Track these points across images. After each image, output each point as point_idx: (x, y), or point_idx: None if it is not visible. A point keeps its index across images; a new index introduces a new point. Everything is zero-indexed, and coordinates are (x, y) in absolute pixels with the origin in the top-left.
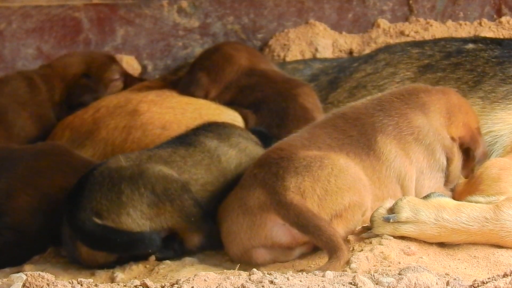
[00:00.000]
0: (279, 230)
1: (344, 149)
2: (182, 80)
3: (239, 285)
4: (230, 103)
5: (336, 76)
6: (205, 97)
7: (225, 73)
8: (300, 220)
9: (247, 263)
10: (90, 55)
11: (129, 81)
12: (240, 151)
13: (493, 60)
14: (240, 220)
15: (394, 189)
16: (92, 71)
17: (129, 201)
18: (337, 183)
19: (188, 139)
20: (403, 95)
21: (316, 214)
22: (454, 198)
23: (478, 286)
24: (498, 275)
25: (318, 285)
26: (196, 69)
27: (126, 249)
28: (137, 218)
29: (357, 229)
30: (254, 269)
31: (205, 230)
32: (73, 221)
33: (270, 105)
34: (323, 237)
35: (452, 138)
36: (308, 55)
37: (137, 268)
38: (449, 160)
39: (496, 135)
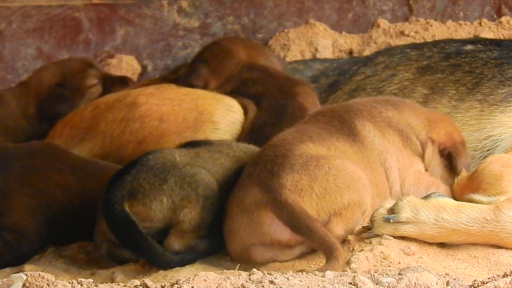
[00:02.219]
0: (277, 228)
1: (333, 136)
2: (183, 73)
3: (239, 285)
4: (231, 94)
5: (336, 79)
6: (204, 87)
7: (225, 65)
8: (293, 220)
9: (246, 261)
10: (64, 64)
11: (109, 83)
12: (239, 146)
13: (491, 61)
14: (239, 218)
15: (383, 175)
16: (67, 80)
17: (168, 190)
18: (336, 182)
19: (201, 142)
20: (377, 99)
21: (309, 215)
22: (455, 192)
23: (478, 286)
24: (498, 275)
25: (318, 285)
26: (196, 61)
27: (138, 252)
28: (166, 208)
29: (357, 229)
30: (254, 269)
31: (188, 246)
32: (108, 196)
33: (271, 101)
34: (315, 238)
35: (431, 139)
36: (308, 55)
37: (137, 268)
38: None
39: (497, 139)
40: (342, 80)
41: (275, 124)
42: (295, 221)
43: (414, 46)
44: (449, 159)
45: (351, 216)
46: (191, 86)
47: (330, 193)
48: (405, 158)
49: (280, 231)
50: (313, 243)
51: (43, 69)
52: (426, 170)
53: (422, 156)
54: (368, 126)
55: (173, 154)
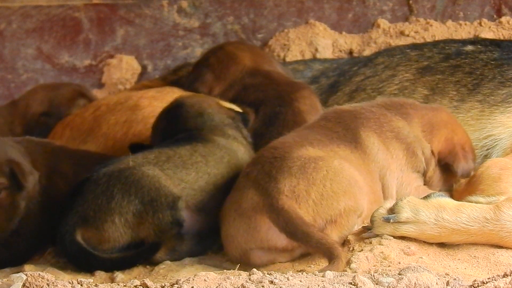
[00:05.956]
0: (274, 234)
1: (334, 142)
2: (187, 77)
3: (239, 285)
4: (233, 101)
5: (336, 80)
6: (209, 93)
7: (230, 71)
8: (289, 226)
9: (246, 264)
10: (54, 92)
11: None
12: (246, 147)
13: (492, 62)
14: (236, 223)
15: (380, 185)
16: (53, 109)
17: (117, 208)
18: (333, 187)
19: (200, 135)
20: (387, 104)
21: (305, 221)
22: (454, 197)
23: (478, 286)
24: (498, 275)
25: (318, 285)
26: (201, 66)
27: (100, 268)
28: (121, 226)
29: (357, 229)
30: (254, 269)
31: (170, 250)
32: (61, 224)
33: (266, 109)
34: (312, 243)
35: (432, 152)
36: (308, 55)
37: (137, 268)
38: (425, 170)
39: (496, 139)
40: (342, 81)
41: (264, 134)
42: (291, 227)
43: (414, 47)
44: (447, 166)
45: (346, 223)
46: (196, 92)
47: (326, 198)
48: (405, 176)
49: (277, 237)
50: (310, 248)
51: (33, 93)
52: (425, 183)
53: (424, 172)
54: (373, 138)
55: (126, 162)
